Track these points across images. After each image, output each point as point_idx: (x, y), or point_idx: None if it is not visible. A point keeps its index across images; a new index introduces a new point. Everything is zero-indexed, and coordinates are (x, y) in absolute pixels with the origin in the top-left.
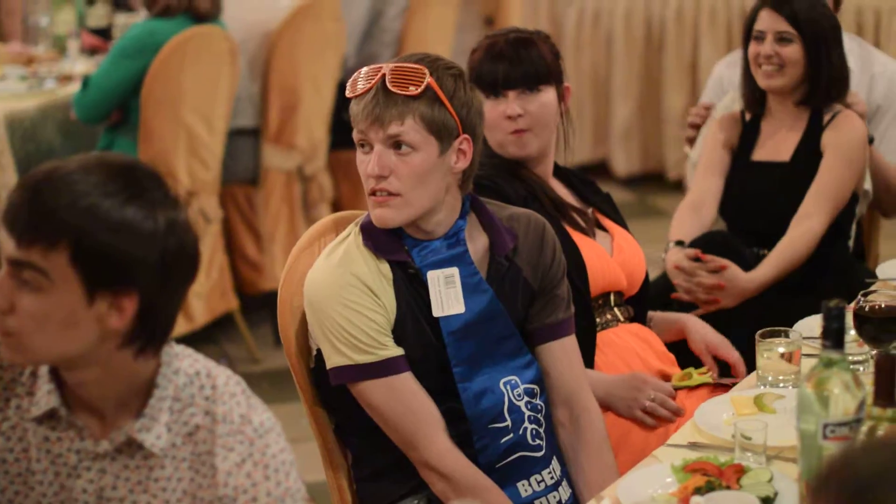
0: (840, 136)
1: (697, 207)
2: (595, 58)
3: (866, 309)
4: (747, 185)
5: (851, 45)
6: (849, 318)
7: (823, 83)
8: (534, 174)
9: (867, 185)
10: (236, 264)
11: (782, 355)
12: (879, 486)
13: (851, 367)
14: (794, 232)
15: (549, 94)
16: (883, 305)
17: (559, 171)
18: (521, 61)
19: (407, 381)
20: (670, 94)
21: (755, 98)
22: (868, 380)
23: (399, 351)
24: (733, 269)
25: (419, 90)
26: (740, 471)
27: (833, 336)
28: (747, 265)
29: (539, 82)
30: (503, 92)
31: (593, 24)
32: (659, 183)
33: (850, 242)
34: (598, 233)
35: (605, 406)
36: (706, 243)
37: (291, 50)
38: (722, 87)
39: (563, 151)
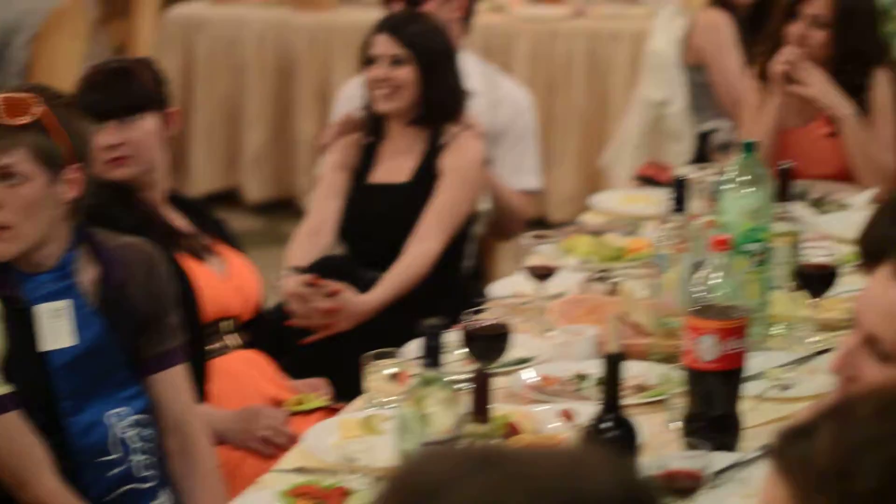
0: (456, 159)
1: (316, 232)
2: (227, 85)
3: (473, 327)
4: (365, 208)
5: (476, 68)
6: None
7: (437, 105)
8: (144, 201)
9: (484, 204)
10: None
11: (391, 376)
12: (443, 493)
13: (459, 385)
14: (410, 253)
15: (149, 122)
16: (489, 323)
17: (173, 198)
18: (117, 91)
19: (12, 421)
20: (302, 120)
21: (373, 121)
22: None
23: (5, 389)
24: (349, 293)
25: (29, 120)
26: (345, 493)
27: (431, 354)
28: (366, 288)
29: (138, 111)
30: (103, 121)
31: (226, 51)
32: (290, 210)
33: (468, 263)
34: (212, 258)
35: (220, 440)
36: (323, 267)
37: None
38: (351, 105)
39: (182, 177)
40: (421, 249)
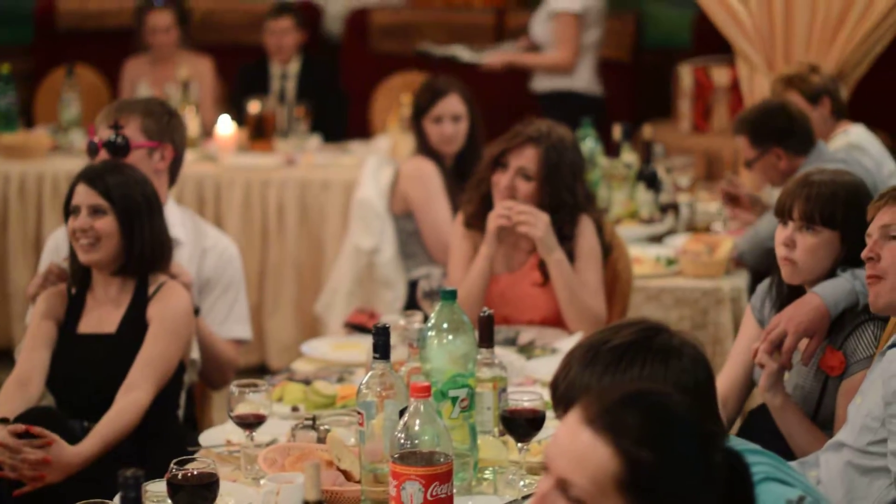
0: (163, 308)
1: (24, 383)
2: None
3: (179, 477)
4: (72, 358)
5: (185, 218)
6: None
7: (139, 256)
8: None
9: (195, 354)
10: None
11: None
12: None
13: None
14: (120, 403)
15: None
16: (196, 472)
17: None
18: None
19: None
20: (15, 269)
21: (80, 271)
22: None
23: None
24: (59, 444)
25: None
26: None
27: None
28: (75, 439)
29: None
30: None
31: None
32: (6, 359)
33: (181, 412)
34: None
35: None
36: (30, 419)
37: None
38: (58, 254)
39: None
40: (130, 399)
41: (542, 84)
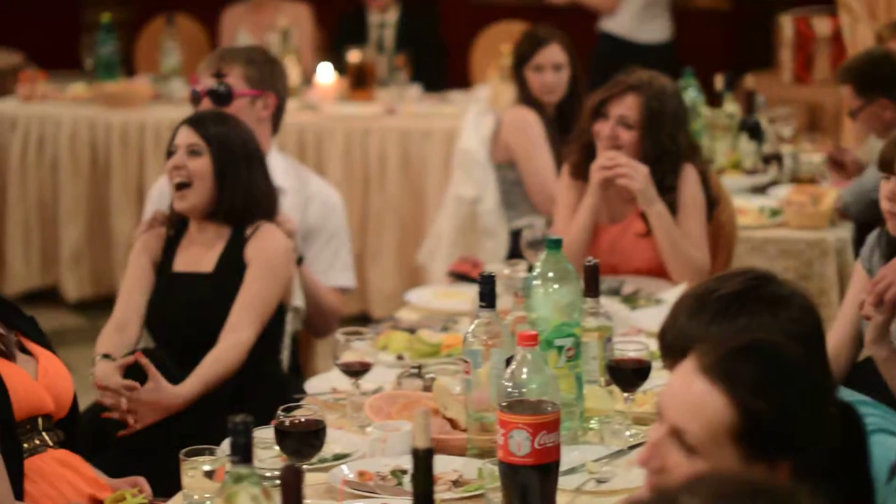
0: (263, 249)
1: (122, 327)
2: (41, 183)
3: (286, 423)
4: (169, 297)
5: (287, 167)
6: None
7: (230, 202)
8: None
9: (299, 301)
10: None
11: (207, 473)
12: None
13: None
14: (223, 343)
15: None
16: (303, 419)
17: None
18: None
19: None
20: (118, 217)
21: (178, 215)
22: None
23: None
24: (160, 384)
25: None
26: None
27: (240, 451)
28: (175, 380)
29: None
30: None
31: (38, 149)
32: (111, 307)
33: (284, 357)
34: (22, 356)
35: None
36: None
37: None
38: (162, 202)
39: None
40: (232, 340)
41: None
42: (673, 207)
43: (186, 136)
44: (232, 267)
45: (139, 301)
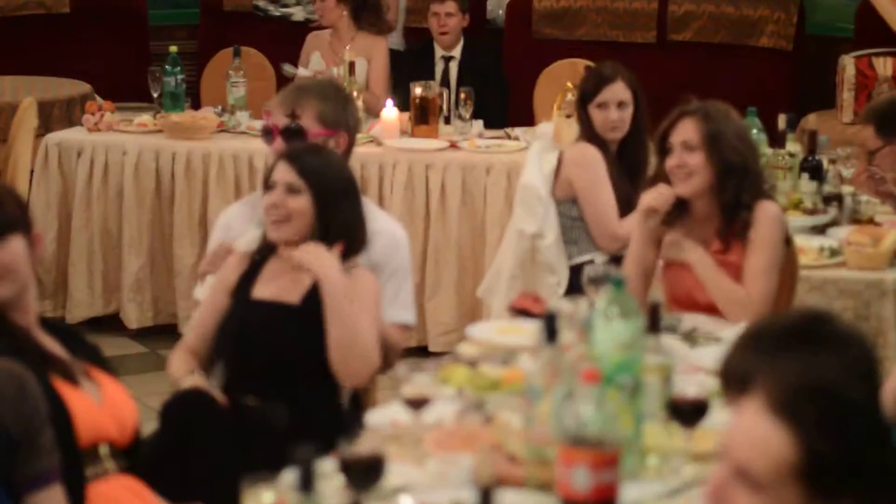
0: (359, 287)
1: (193, 351)
2: (105, 211)
3: (348, 455)
4: (247, 322)
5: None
6: None
7: (328, 233)
8: (16, 325)
9: None
10: None
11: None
12: None
13: None
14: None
15: (16, 244)
16: (364, 452)
17: (44, 323)
18: None
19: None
20: (180, 246)
21: (267, 243)
22: None
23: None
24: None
25: None
26: None
27: (304, 481)
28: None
29: (4, 233)
30: None
31: (103, 177)
32: (172, 335)
33: (345, 391)
34: (87, 384)
35: None
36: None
37: None
38: (228, 233)
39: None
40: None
41: None
42: (744, 238)
43: (285, 174)
44: (319, 302)
45: (209, 326)
